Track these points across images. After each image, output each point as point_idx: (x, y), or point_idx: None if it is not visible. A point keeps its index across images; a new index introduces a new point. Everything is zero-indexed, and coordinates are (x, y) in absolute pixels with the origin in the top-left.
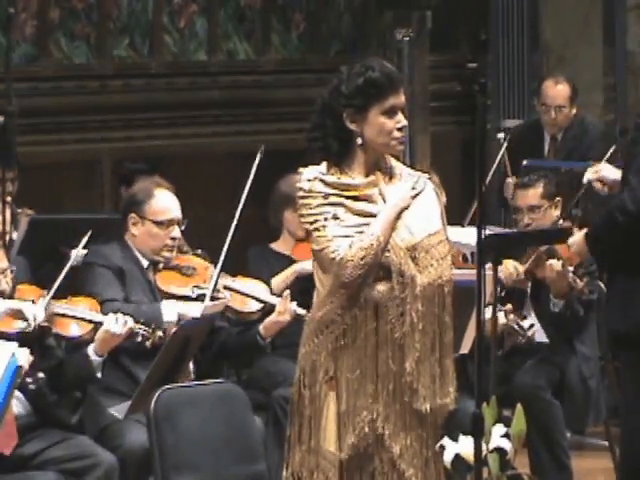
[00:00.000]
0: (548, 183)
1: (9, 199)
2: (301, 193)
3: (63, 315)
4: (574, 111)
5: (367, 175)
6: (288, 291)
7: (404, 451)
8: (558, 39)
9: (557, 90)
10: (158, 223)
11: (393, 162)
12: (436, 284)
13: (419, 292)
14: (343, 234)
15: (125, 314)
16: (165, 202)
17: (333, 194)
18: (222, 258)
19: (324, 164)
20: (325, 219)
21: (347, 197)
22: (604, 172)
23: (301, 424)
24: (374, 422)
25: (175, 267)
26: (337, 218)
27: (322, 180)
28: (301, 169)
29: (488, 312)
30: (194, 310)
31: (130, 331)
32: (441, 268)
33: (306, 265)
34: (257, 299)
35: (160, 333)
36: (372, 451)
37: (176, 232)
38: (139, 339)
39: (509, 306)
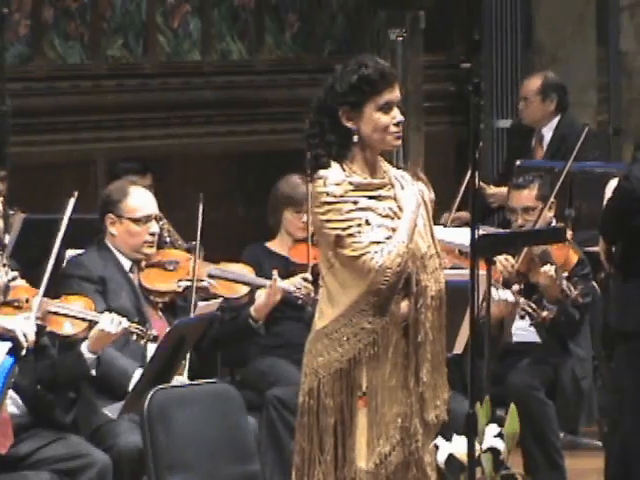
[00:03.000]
0: (543, 184)
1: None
2: (330, 199)
3: (57, 314)
4: (551, 107)
5: (371, 175)
6: (276, 272)
7: (431, 459)
8: (551, 39)
9: (527, 82)
10: (135, 220)
11: (386, 164)
12: (438, 294)
13: (430, 302)
14: (376, 240)
15: None
16: (140, 199)
17: (363, 196)
18: (197, 248)
19: (335, 165)
20: (359, 225)
21: (371, 197)
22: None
23: (323, 433)
24: (411, 434)
25: (157, 264)
26: (369, 224)
27: (350, 183)
28: (321, 172)
29: (499, 294)
30: None
31: (125, 331)
32: (440, 277)
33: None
34: (244, 283)
35: (154, 332)
36: (407, 461)
37: (154, 227)
38: (134, 338)
39: (515, 287)
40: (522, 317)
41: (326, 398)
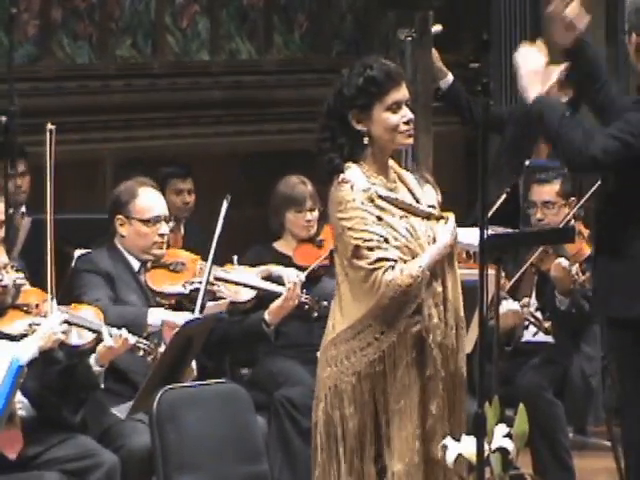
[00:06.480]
0: (565, 181)
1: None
2: (357, 205)
3: (68, 323)
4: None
5: (386, 177)
6: (299, 278)
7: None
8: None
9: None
10: (145, 221)
11: (395, 165)
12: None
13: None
14: (392, 257)
15: (109, 315)
16: (150, 199)
17: (387, 211)
18: (212, 252)
19: (354, 166)
20: (378, 240)
21: (394, 214)
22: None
23: (345, 438)
24: (427, 448)
25: (163, 265)
26: (388, 241)
27: (377, 193)
28: (346, 177)
29: (505, 305)
30: (179, 318)
31: (131, 346)
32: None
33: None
34: (250, 286)
35: (162, 349)
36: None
37: (164, 228)
38: (141, 353)
39: (525, 300)
40: (526, 327)
41: (349, 405)
